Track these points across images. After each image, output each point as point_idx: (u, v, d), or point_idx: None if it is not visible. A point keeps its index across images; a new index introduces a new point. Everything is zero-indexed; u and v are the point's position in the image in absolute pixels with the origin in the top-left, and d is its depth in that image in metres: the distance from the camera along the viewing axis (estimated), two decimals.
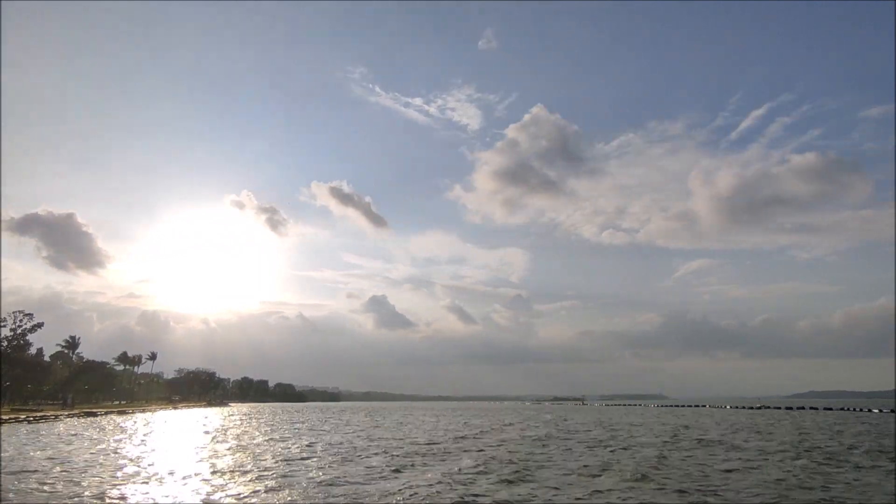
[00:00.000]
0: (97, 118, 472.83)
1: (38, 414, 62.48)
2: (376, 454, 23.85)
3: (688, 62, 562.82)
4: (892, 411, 77.76)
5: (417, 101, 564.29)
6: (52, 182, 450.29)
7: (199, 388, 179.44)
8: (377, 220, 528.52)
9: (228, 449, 27.00)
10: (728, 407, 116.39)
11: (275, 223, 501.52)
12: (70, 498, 14.14)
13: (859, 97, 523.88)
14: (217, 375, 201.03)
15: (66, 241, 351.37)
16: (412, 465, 19.96)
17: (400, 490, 14.82)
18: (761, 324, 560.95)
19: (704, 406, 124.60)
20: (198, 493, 14.73)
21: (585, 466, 19.48)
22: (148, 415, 78.40)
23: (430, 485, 15.64)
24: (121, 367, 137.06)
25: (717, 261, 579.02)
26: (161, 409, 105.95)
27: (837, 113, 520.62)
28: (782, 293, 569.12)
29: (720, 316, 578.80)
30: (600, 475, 17.44)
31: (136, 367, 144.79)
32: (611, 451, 24.63)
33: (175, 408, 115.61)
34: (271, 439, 32.95)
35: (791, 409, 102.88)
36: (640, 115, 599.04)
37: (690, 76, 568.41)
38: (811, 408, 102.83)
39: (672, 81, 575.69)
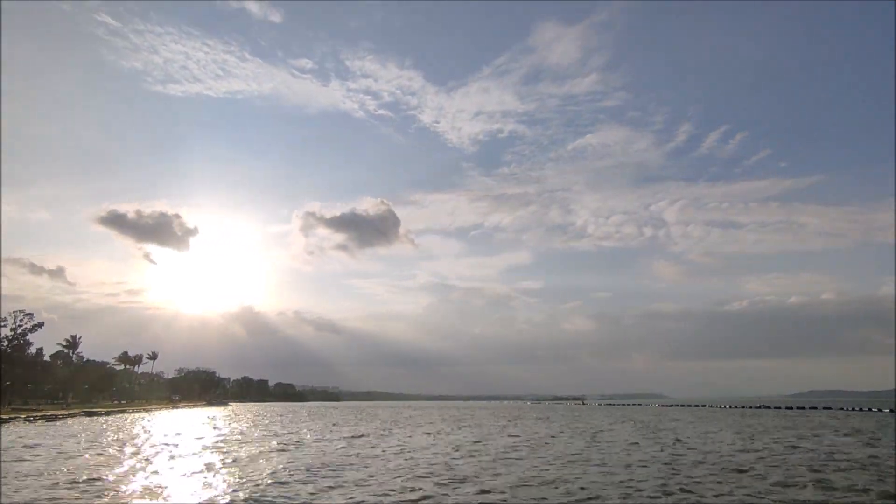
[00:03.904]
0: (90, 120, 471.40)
1: (38, 414, 62.63)
2: None
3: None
4: (892, 411, 77.78)
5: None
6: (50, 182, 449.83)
7: (199, 387, 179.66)
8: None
9: None
10: (730, 407, 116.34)
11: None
12: (69, 498, 14.28)
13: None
14: (217, 375, 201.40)
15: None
16: None
17: None
18: (761, 323, 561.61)
19: (704, 406, 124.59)
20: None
21: None
22: (138, 416, 78.42)
23: None
24: (121, 367, 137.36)
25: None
26: (160, 409, 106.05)
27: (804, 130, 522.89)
28: (779, 291, 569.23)
29: (716, 314, 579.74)
30: None
31: (136, 367, 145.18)
32: None
33: (175, 407, 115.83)
34: None
35: (791, 408, 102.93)
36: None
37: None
38: (811, 407, 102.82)
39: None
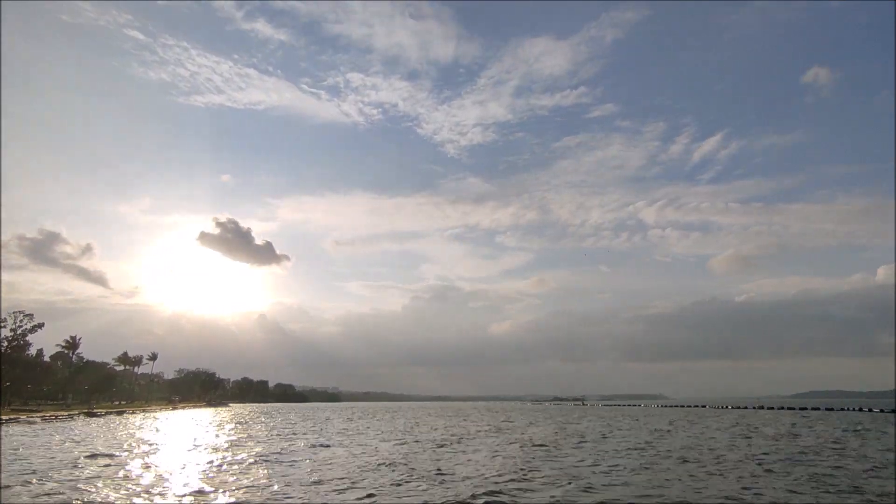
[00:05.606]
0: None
1: (38, 415, 62.45)
2: None
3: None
4: (892, 411, 77.66)
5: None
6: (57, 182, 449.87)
7: (199, 388, 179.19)
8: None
9: None
10: (730, 407, 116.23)
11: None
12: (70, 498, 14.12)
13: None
14: (217, 376, 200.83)
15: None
16: None
17: None
18: (761, 322, 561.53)
19: (705, 406, 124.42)
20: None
21: None
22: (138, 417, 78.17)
23: None
24: (121, 368, 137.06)
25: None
26: (160, 409, 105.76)
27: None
28: (783, 289, 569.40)
29: (718, 315, 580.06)
30: None
31: (136, 368, 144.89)
32: None
33: (174, 408, 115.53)
34: None
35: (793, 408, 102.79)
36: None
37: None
38: (813, 408, 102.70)
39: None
